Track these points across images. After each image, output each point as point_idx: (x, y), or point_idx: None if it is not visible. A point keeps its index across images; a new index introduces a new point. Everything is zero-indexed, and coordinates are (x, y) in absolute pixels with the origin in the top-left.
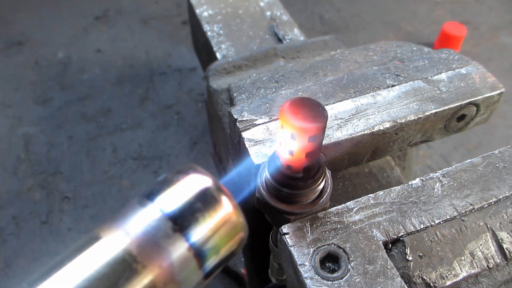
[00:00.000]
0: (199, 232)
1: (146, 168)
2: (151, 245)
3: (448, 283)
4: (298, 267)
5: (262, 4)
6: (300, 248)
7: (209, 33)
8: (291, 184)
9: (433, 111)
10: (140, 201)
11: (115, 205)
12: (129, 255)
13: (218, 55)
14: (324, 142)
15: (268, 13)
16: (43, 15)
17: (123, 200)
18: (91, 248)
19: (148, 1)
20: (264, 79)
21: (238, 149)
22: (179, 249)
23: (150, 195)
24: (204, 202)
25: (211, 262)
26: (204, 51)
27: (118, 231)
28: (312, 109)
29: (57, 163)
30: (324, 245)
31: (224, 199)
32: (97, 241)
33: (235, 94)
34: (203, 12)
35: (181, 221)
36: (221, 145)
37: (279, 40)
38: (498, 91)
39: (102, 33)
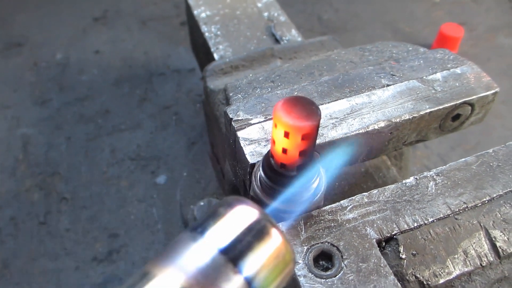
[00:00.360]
0: (253, 266)
1: (144, 168)
2: (206, 281)
3: (441, 281)
4: None
5: (259, 5)
6: (294, 246)
7: (206, 34)
8: (286, 182)
9: (428, 110)
10: (191, 236)
11: (113, 206)
12: None
13: (216, 56)
14: (319, 141)
15: (266, 14)
16: (42, 17)
17: (122, 201)
18: (146, 286)
19: (146, 2)
20: (260, 79)
21: (233, 149)
22: (232, 282)
23: (200, 229)
24: (255, 235)
25: None
26: (202, 52)
27: (172, 268)
28: (305, 107)
29: (56, 164)
30: (318, 243)
31: (274, 232)
32: (151, 279)
33: (231, 94)
34: (201, 13)
35: (235, 255)
36: (218, 145)
37: (277, 41)
38: (493, 91)
39: (101, 34)
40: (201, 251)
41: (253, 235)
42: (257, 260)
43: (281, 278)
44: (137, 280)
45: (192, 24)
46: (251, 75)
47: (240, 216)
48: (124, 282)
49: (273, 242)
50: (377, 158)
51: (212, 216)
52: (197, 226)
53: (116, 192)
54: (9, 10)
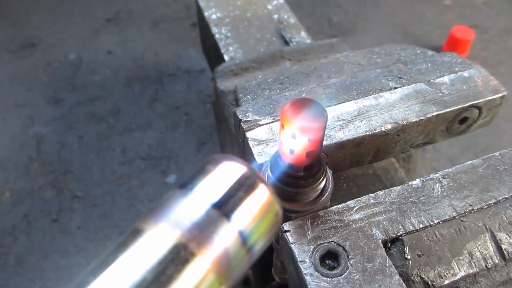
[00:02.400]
0: (244, 219)
1: (154, 168)
2: (202, 234)
3: (446, 282)
4: (299, 263)
5: (269, 7)
6: (300, 246)
7: (217, 36)
8: (293, 182)
9: (435, 113)
10: (181, 193)
11: (124, 204)
12: (179, 244)
13: (226, 57)
14: (326, 142)
15: (276, 16)
16: (55, 18)
17: (132, 199)
18: (137, 243)
19: (158, 3)
20: (269, 80)
21: (242, 149)
22: (227, 234)
23: (189, 185)
24: (245, 189)
25: (256, 244)
26: (212, 53)
27: (163, 223)
28: (312, 109)
29: (68, 162)
30: (324, 243)
31: (263, 186)
32: (143, 234)
33: (240, 95)
34: (211, 15)
35: (227, 209)
36: (228, 145)
37: (286, 43)
38: (500, 94)
39: (113, 35)
40: (194, 206)
41: (243, 190)
42: (248, 214)
43: (270, 230)
44: (127, 237)
45: (203, 25)
46: (260, 76)
47: (229, 172)
48: (117, 239)
49: (262, 196)
50: (385, 160)
51: (200, 172)
52: (186, 183)
53: (126, 191)
54: (23, 11)
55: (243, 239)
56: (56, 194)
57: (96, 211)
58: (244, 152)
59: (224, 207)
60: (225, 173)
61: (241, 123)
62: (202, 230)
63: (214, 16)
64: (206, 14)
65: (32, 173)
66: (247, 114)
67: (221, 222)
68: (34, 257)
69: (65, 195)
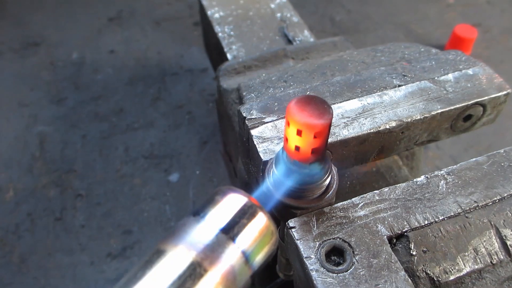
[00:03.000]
0: (246, 240)
1: (157, 166)
2: (213, 255)
3: (452, 277)
4: (304, 259)
5: (272, 5)
6: (306, 242)
7: (220, 34)
8: (298, 179)
9: (439, 110)
10: (195, 220)
11: (127, 203)
12: (195, 263)
13: (229, 56)
14: (331, 140)
15: (279, 15)
16: (58, 17)
17: (135, 198)
18: (161, 262)
19: (160, 3)
20: (273, 79)
21: (247, 147)
22: (233, 254)
23: (201, 213)
24: (246, 216)
25: (256, 261)
26: (215, 52)
27: (181, 245)
28: (317, 106)
29: (71, 161)
30: (330, 239)
31: (261, 213)
32: (165, 255)
33: (244, 93)
34: (214, 13)
35: (233, 233)
36: (231, 144)
37: (289, 41)
38: (505, 92)
39: (115, 34)
40: (205, 231)
41: (246, 217)
42: (249, 237)
43: (268, 249)
44: (152, 257)
45: (206, 24)
46: (264, 74)
47: (234, 202)
48: (139, 260)
49: (261, 221)
50: (389, 158)
51: (210, 202)
52: (198, 211)
53: (129, 190)
54: (25, 10)
55: (246, 257)
56: (59, 192)
57: (100, 210)
58: (248, 150)
59: (231, 231)
60: (231, 203)
61: (246, 121)
62: (213, 251)
63: (217, 15)
64: (209, 13)
65: (35, 171)
66: (251, 112)
67: (228, 244)
68: (38, 256)
69: (68, 193)
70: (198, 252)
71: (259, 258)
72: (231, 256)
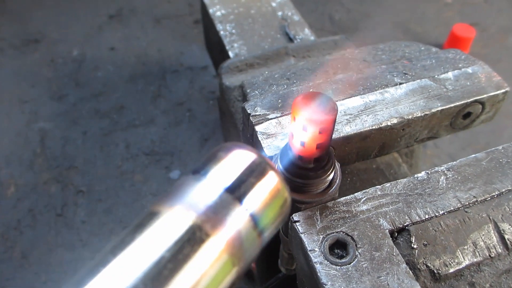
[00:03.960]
0: (255, 203)
1: (158, 163)
2: (216, 217)
3: (451, 270)
4: (308, 252)
5: (273, 4)
6: (310, 235)
7: (221, 32)
8: (303, 174)
9: (439, 108)
10: (194, 178)
11: (128, 199)
12: (194, 226)
13: (231, 54)
14: (334, 136)
15: (280, 13)
16: (58, 14)
17: (136, 194)
18: (154, 225)
19: (161, 0)
20: (276, 76)
21: (251, 143)
22: (239, 217)
23: (202, 171)
24: (256, 175)
25: (266, 227)
26: (217, 50)
27: (179, 206)
28: (323, 102)
29: (72, 157)
30: (333, 233)
31: (272, 172)
32: (160, 217)
33: (248, 90)
34: (216, 11)
35: (239, 193)
36: (233, 140)
37: (290, 40)
38: (503, 90)
39: (116, 32)
40: (207, 190)
41: (254, 176)
42: (259, 198)
43: (280, 215)
44: (143, 220)
45: (207, 22)
46: (267, 72)
47: (240, 159)
48: (133, 222)
49: (272, 182)
50: (389, 155)
51: (212, 159)
52: (198, 169)
53: (130, 186)
54: (26, 7)
55: (255, 222)
56: (60, 189)
57: (101, 206)
58: (252, 146)
59: (236, 191)
60: (237, 160)
61: (250, 117)
62: (216, 213)
63: (218, 13)
64: (210, 11)
65: (36, 168)
66: (255, 108)
67: (234, 206)
68: (39, 251)
69: (69, 190)
70: (199, 213)
71: (269, 224)
72: (237, 219)
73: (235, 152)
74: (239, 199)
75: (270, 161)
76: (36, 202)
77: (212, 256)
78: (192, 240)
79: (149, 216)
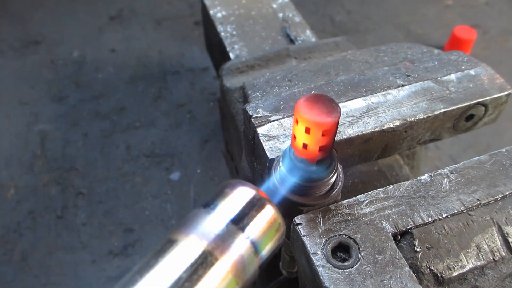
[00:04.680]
0: (255, 231)
1: (158, 165)
2: (223, 244)
3: (455, 274)
4: (311, 255)
5: (274, 5)
6: (312, 238)
7: (222, 34)
8: (305, 176)
9: (442, 110)
10: (205, 211)
11: (128, 201)
12: (206, 252)
13: (231, 55)
14: (336, 138)
15: (281, 15)
16: (59, 15)
17: (136, 196)
18: (173, 251)
19: (161, 2)
20: (277, 78)
21: (252, 145)
22: (242, 244)
23: (212, 206)
24: (255, 208)
25: (264, 251)
26: (217, 51)
27: (193, 235)
28: (326, 105)
29: (72, 159)
30: (336, 236)
31: (269, 205)
32: (178, 244)
33: (249, 92)
34: (216, 13)
35: (243, 224)
36: (234, 142)
37: (291, 41)
38: (506, 92)
39: (116, 33)
40: (216, 222)
41: (254, 209)
42: (258, 228)
43: (276, 240)
44: (164, 246)
45: (208, 23)
46: (268, 74)
47: (243, 195)
48: (150, 250)
49: (269, 213)
50: (390, 157)
51: (219, 195)
52: (209, 203)
53: (131, 188)
54: (26, 8)
55: (255, 247)
56: (60, 191)
57: (101, 208)
58: (253, 148)
59: (240, 222)
60: (240, 196)
61: (252, 119)
62: (223, 241)
63: (219, 15)
64: (211, 12)
65: (36, 170)
66: (257, 110)
67: (238, 234)
68: (39, 253)
69: (69, 192)
70: (209, 241)
71: (267, 249)
72: (241, 245)
73: (239, 189)
74: (242, 229)
75: (267, 196)
76: (36, 204)
77: (220, 276)
78: (204, 263)
79: (169, 243)
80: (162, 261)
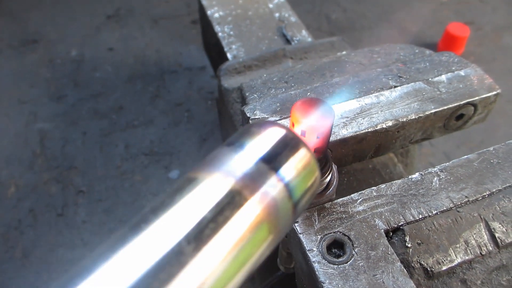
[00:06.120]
0: (290, 173)
1: (157, 163)
2: (253, 184)
3: (444, 268)
4: (307, 252)
5: (271, 5)
6: (308, 235)
7: (220, 34)
8: None
9: (433, 110)
10: (231, 149)
11: (128, 199)
12: (233, 190)
13: (229, 55)
14: (331, 139)
15: (277, 15)
16: (56, 14)
17: (136, 194)
18: (195, 189)
19: (158, 0)
20: (274, 79)
21: None
22: (275, 186)
23: (238, 144)
24: (290, 149)
25: (300, 198)
26: (215, 51)
27: (217, 173)
28: (320, 108)
29: (72, 158)
30: (331, 233)
31: (304, 147)
32: (200, 182)
33: (247, 94)
34: (214, 13)
35: (275, 164)
36: None
37: (287, 41)
38: (495, 92)
39: (114, 32)
40: (244, 160)
41: (288, 149)
42: (293, 170)
43: (311, 189)
44: (182, 184)
45: (205, 23)
46: (265, 75)
47: (274, 133)
48: (165, 190)
49: (304, 155)
50: (384, 155)
51: (245, 133)
52: (233, 142)
53: (130, 186)
54: (23, 7)
55: (289, 192)
56: (60, 189)
57: (101, 206)
58: None
59: (272, 162)
60: (270, 134)
61: (250, 121)
62: (253, 181)
63: (216, 15)
64: (209, 12)
65: (36, 168)
66: (255, 112)
67: (270, 175)
68: (41, 251)
69: (69, 190)
70: (237, 179)
71: (303, 195)
72: (273, 187)
73: (268, 127)
74: (275, 169)
75: (303, 138)
76: (37, 202)
77: (250, 219)
78: (231, 203)
79: (188, 181)
80: (181, 199)
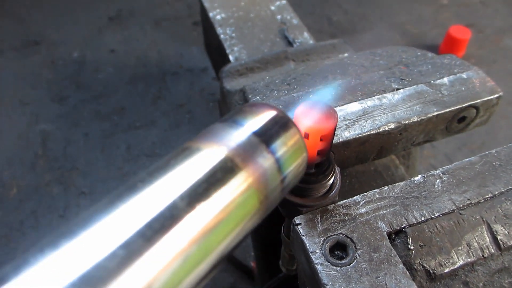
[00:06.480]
0: (280, 148)
1: None
2: (246, 154)
3: (446, 270)
4: (310, 254)
5: (272, 8)
6: (311, 237)
7: (222, 36)
8: (304, 179)
9: (435, 113)
10: (225, 124)
11: None
12: (226, 157)
13: (231, 57)
14: (334, 141)
15: (279, 17)
16: (58, 16)
17: None
18: (187, 157)
19: (160, 2)
20: (276, 81)
21: None
22: (265, 158)
23: (231, 119)
24: (280, 126)
25: (288, 173)
26: (217, 53)
27: (213, 143)
28: (324, 111)
29: (74, 159)
30: (333, 235)
31: (294, 126)
32: (197, 151)
33: (250, 96)
34: (216, 15)
35: (266, 138)
36: None
37: (289, 43)
38: (497, 95)
39: (115, 34)
40: (237, 132)
41: (278, 126)
42: (283, 145)
43: (299, 167)
44: (175, 153)
45: (207, 25)
46: (267, 77)
47: (266, 112)
48: (169, 154)
49: (294, 134)
50: (386, 157)
51: (240, 111)
52: (226, 118)
53: None
54: (26, 9)
55: (279, 165)
56: (62, 190)
57: None
58: None
59: (263, 135)
60: (263, 112)
61: None
62: (245, 151)
63: (218, 17)
64: (210, 14)
65: (38, 169)
66: None
67: (261, 147)
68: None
69: (71, 191)
70: (230, 148)
71: (290, 170)
72: (264, 159)
73: (261, 107)
74: (266, 142)
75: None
76: (39, 203)
77: (241, 185)
78: (223, 168)
79: (182, 150)
80: (176, 164)
